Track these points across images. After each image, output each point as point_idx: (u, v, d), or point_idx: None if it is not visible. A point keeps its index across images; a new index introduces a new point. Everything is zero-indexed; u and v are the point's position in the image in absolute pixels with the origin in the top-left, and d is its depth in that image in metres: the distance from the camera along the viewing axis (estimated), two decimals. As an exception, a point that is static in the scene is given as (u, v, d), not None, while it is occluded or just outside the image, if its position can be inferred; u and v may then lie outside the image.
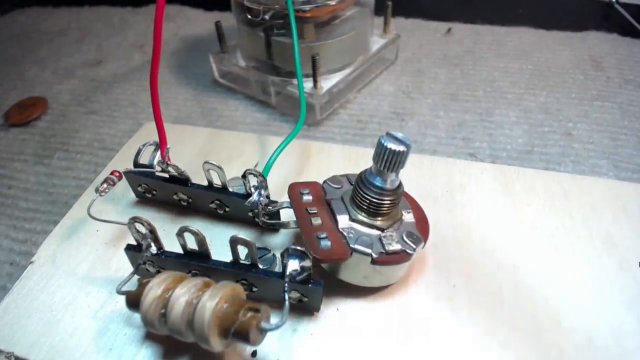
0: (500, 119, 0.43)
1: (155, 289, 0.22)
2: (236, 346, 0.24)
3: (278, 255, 0.27)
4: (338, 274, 0.25)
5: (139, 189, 0.32)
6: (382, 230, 0.25)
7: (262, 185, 0.28)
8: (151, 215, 0.32)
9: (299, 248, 0.23)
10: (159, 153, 0.29)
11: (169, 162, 0.29)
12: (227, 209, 0.30)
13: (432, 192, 0.32)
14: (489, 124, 0.42)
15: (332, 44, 0.42)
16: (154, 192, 0.31)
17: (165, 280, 0.22)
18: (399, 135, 0.22)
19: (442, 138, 0.41)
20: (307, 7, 0.39)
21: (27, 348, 0.25)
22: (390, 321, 0.25)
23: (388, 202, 0.24)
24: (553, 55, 0.51)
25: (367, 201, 0.24)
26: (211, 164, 0.29)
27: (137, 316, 0.25)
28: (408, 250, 0.24)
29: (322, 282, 0.24)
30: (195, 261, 0.25)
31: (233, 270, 0.24)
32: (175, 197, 0.31)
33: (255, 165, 0.35)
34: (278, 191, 0.33)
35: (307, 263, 0.23)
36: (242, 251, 0.24)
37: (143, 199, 0.33)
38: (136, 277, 0.24)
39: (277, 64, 0.43)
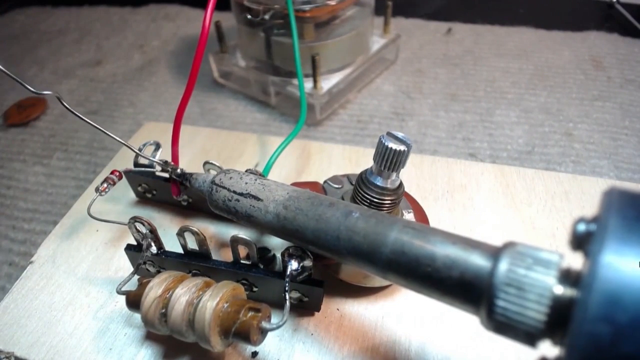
0: (500, 119, 0.42)
1: (155, 288, 0.22)
2: (237, 346, 0.24)
3: (278, 255, 0.27)
4: (338, 274, 0.25)
5: (139, 189, 0.32)
6: (383, 230, 0.25)
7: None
8: (151, 215, 0.32)
9: (299, 248, 0.23)
10: (159, 153, 0.29)
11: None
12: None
13: (432, 192, 0.32)
14: (489, 124, 0.42)
15: (332, 44, 0.42)
16: (154, 192, 0.31)
17: (166, 280, 0.22)
18: (400, 134, 0.22)
19: (442, 138, 0.41)
20: (307, 7, 0.39)
21: (27, 348, 0.24)
22: (390, 321, 0.25)
23: (389, 202, 0.24)
24: (553, 55, 0.51)
25: (368, 201, 0.24)
26: (211, 163, 0.29)
27: (137, 316, 0.25)
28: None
29: (322, 282, 0.23)
30: (196, 261, 0.25)
31: (234, 270, 0.24)
32: (175, 196, 0.31)
33: (256, 166, 0.35)
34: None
35: (308, 263, 0.23)
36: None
37: (143, 199, 0.33)
38: (136, 277, 0.24)
39: (277, 64, 0.43)
